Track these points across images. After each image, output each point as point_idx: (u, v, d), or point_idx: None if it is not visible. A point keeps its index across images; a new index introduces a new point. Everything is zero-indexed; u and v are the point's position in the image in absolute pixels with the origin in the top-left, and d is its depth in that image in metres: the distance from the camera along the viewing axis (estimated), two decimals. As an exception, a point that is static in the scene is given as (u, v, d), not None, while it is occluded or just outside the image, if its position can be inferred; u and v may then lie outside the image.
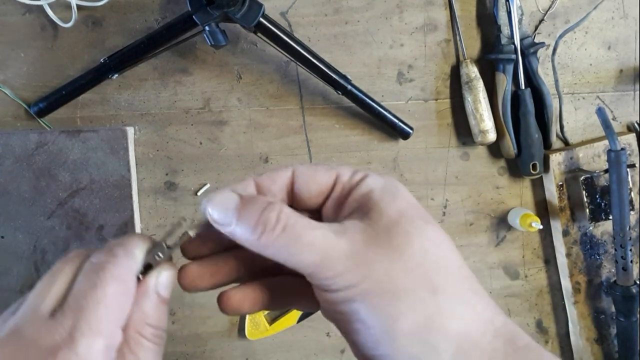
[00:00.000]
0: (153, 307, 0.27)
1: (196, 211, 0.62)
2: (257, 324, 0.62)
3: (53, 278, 0.25)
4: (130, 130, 0.59)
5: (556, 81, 0.64)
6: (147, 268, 0.27)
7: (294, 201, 0.29)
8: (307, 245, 0.24)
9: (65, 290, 0.25)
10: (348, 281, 0.24)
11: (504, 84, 0.61)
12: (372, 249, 0.24)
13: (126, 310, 0.25)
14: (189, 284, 0.28)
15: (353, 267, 0.24)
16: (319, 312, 0.28)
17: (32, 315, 0.24)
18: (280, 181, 0.28)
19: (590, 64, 0.65)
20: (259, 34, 0.55)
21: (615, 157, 0.59)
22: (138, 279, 0.26)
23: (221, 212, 0.26)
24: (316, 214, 0.29)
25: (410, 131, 0.62)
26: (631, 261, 0.60)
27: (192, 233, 0.28)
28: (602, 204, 0.63)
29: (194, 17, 0.51)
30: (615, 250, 0.61)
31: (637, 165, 0.64)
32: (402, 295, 0.24)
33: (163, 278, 0.27)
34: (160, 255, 0.27)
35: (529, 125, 0.61)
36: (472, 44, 0.63)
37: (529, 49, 0.60)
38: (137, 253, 0.27)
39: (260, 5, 0.52)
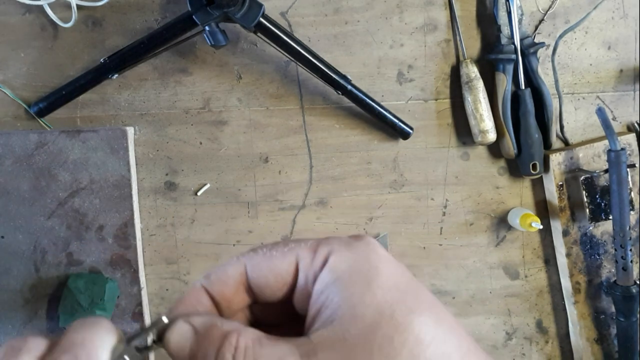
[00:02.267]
0: None
1: (194, 220, 0.62)
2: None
3: None
4: (130, 130, 0.59)
5: (556, 81, 0.63)
6: None
7: (256, 296, 0.24)
8: None
9: None
10: None
11: (504, 84, 0.61)
12: None
13: None
14: None
15: None
16: None
17: None
18: (232, 282, 0.24)
19: (590, 64, 0.65)
20: (259, 34, 0.55)
21: (615, 157, 0.59)
22: None
23: (178, 353, 0.22)
24: (286, 304, 0.25)
25: (410, 131, 0.62)
26: (631, 261, 0.60)
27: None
28: (602, 204, 0.62)
29: (194, 17, 0.51)
30: (615, 250, 0.61)
31: (637, 165, 0.64)
32: None
33: None
34: (126, 358, 0.23)
35: (529, 125, 0.61)
36: (472, 44, 0.63)
37: (529, 49, 0.60)
38: (103, 356, 0.22)
39: (260, 5, 0.52)
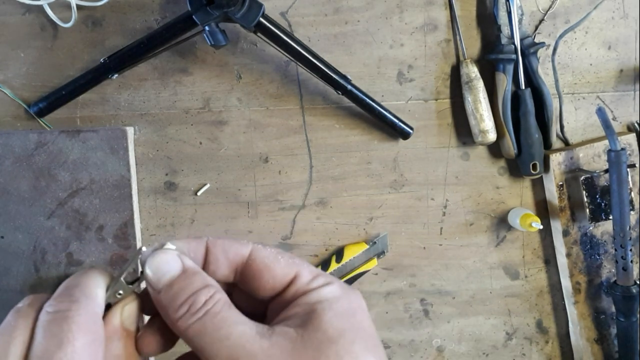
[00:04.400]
0: (124, 346, 0.24)
1: (194, 220, 0.62)
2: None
3: (7, 337, 0.21)
4: (130, 130, 0.59)
5: (556, 81, 0.63)
6: (108, 305, 0.24)
7: (240, 282, 0.26)
8: (221, 339, 0.22)
9: (24, 351, 0.21)
10: None
11: (504, 84, 0.61)
12: None
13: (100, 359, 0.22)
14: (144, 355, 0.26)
15: None
16: None
17: None
18: (232, 257, 0.25)
19: (591, 64, 0.65)
20: (259, 34, 0.55)
21: (615, 157, 0.59)
22: None
23: (156, 274, 0.24)
24: (261, 305, 0.26)
25: (410, 131, 0.62)
26: (631, 261, 0.60)
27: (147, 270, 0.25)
28: (602, 204, 0.62)
29: (194, 17, 0.51)
30: (616, 250, 0.61)
31: (637, 165, 0.64)
32: None
33: (128, 312, 0.24)
34: (121, 292, 0.24)
35: (529, 125, 0.61)
36: (472, 44, 0.63)
37: (529, 49, 0.60)
38: (99, 293, 0.23)
39: (260, 5, 0.52)
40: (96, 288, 0.23)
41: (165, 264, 0.24)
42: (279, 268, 0.25)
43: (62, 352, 0.20)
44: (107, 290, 0.24)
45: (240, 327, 0.22)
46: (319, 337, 0.22)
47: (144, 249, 0.25)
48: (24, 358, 0.21)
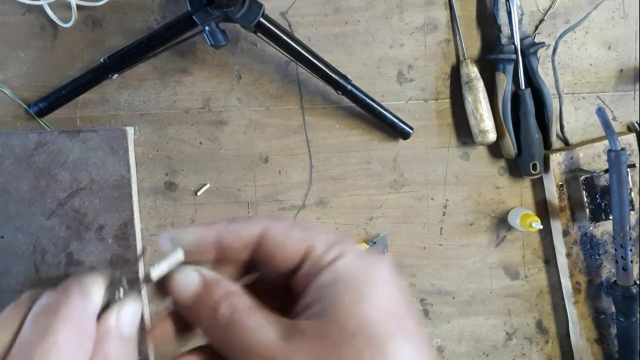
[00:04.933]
0: (117, 348, 0.23)
1: (194, 220, 0.62)
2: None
3: None
4: (130, 130, 0.59)
5: (556, 81, 0.63)
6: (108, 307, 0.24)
7: (256, 260, 0.26)
8: (245, 350, 0.22)
9: (10, 340, 0.21)
10: None
11: (504, 84, 0.61)
12: None
13: (85, 357, 0.22)
14: (156, 344, 0.26)
15: None
16: None
17: None
18: (246, 239, 0.25)
19: (591, 64, 0.65)
20: (259, 34, 0.55)
21: (615, 157, 0.59)
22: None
23: (179, 292, 0.24)
24: (284, 277, 0.26)
25: (410, 131, 0.62)
26: (631, 261, 0.60)
27: (153, 274, 0.24)
28: (602, 204, 0.62)
29: (194, 17, 0.51)
30: (616, 250, 0.61)
31: (637, 165, 0.64)
32: None
33: (125, 314, 0.24)
34: (122, 292, 0.24)
35: (529, 125, 0.61)
36: (472, 44, 0.63)
37: (529, 49, 0.60)
38: (95, 291, 0.23)
39: (260, 5, 0.52)
40: (93, 286, 0.23)
41: (186, 282, 0.24)
42: (290, 244, 0.24)
43: (44, 342, 0.21)
44: (107, 287, 0.24)
45: (264, 335, 0.22)
46: (339, 332, 0.21)
47: (148, 247, 0.24)
48: (7, 346, 0.21)
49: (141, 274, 0.24)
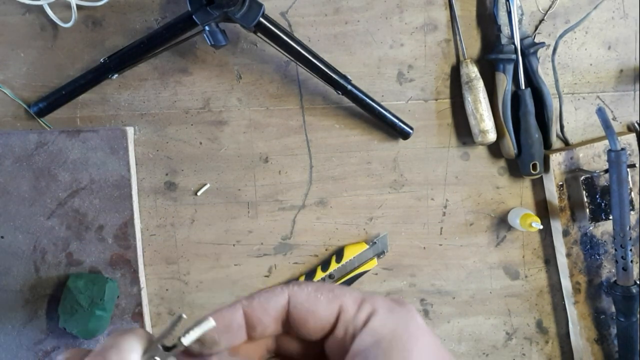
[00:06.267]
0: None
1: (194, 220, 0.62)
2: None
3: None
4: (130, 130, 0.59)
5: (556, 81, 0.63)
6: None
7: (289, 330, 0.25)
8: None
9: None
10: None
11: (504, 84, 0.61)
12: None
13: None
14: None
15: None
16: None
17: None
18: (274, 312, 0.24)
19: (591, 64, 0.65)
20: (259, 34, 0.55)
21: (615, 157, 0.59)
22: None
23: None
24: (316, 345, 0.26)
25: (410, 131, 0.62)
26: (631, 261, 0.60)
27: (185, 341, 0.24)
28: (602, 204, 0.62)
29: (194, 17, 0.51)
30: (616, 250, 0.61)
31: (637, 165, 0.64)
32: None
33: None
34: (157, 359, 0.23)
35: (529, 125, 0.61)
36: (472, 44, 0.63)
37: (529, 49, 0.60)
38: (133, 358, 0.23)
39: (260, 5, 0.52)
40: (131, 352, 0.23)
41: None
42: (321, 309, 0.24)
43: None
44: (144, 353, 0.23)
45: None
46: None
47: (184, 316, 0.24)
48: None
49: (177, 342, 0.24)
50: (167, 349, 0.24)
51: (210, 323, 0.24)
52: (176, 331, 0.24)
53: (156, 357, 0.23)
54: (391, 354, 0.22)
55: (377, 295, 0.25)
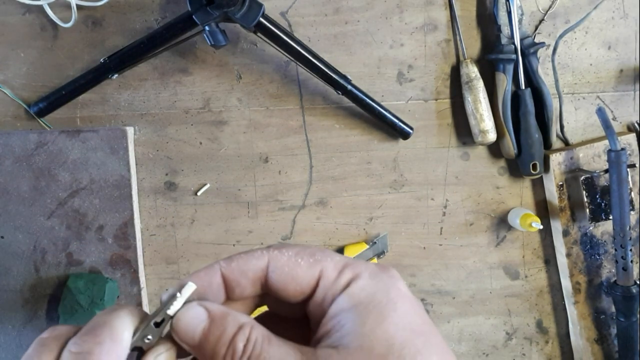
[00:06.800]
0: None
1: (194, 220, 0.62)
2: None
3: None
4: (130, 130, 0.59)
5: (556, 81, 0.63)
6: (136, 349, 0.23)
7: (269, 292, 0.25)
8: None
9: None
10: None
11: (504, 84, 0.61)
12: None
13: None
14: None
15: None
16: None
17: None
18: (252, 274, 0.24)
19: (591, 64, 0.65)
20: (259, 34, 0.55)
21: (615, 157, 0.59)
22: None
23: (187, 332, 0.23)
24: (297, 306, 0.25)
25: (410, 131, 0.62)
26: (631, 261, 0.60)
27: (170, 312, 0.24)
28: (602, 204, 0.62)
29: (194, 17, 0.51)
30: (616, 250, 0.61)
31: (637, 165, 0.64)
32: None
33: None
34: (150, 337, 0.23)
35: (529, 125, 0.61)
36: (472, 44, 0.63)
37: (529, 49, 0.60)
38: (125, 336, 0.22)
39: (260, 5, 0.52)
40: (123, 331, 0.22)
41: (192, 319, 0.23)
42: (301, 274, 0.24)
43: None
44: (135, 332, 0.23)
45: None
46: (364, 356, 0.21)
47: (169, 291, 0.24)
48: None
49: (165, 315, 0.24)
50: (157, 324, 0.23)
51: (191, 287, 0.24)
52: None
53: (148, 335, 0.23)
54: (367, 317, 0.21)
55: (362, 261, 0.24)
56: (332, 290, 0.23)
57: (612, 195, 0.60)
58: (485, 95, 0.61)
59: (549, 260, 0.67)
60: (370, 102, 0.59)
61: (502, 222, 0.66)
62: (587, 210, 0.62)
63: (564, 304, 0.67)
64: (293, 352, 0.22)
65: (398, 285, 0.23)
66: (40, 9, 0.57)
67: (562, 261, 0.65)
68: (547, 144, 0.63)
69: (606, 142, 0.63)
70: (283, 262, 0.24)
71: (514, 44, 0.60)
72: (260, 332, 0.22)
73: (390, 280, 0.23)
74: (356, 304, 0.22)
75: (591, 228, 0.64)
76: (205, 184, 0.62)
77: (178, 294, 0.24)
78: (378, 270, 0.24)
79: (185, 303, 0.24)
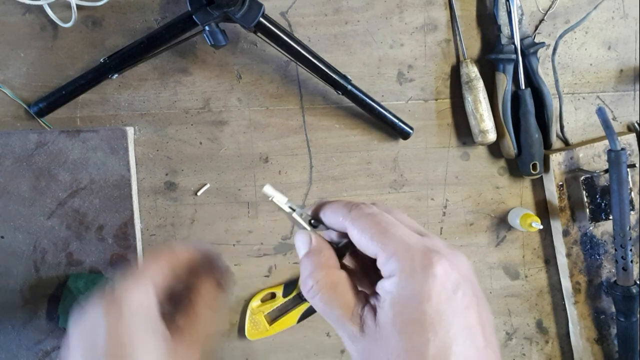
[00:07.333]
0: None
1: (194, 220, 0.62)
2: (256, 324, 0.62)
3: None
4: (130, 130, 0.59)
5: (556, 81, 0.63)
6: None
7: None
8: (327, 317, 0.28)
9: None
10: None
11: (504, 84, 0.61)
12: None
13: None
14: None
15: None
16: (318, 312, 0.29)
17: None
18: (339, 227, 0.31)
19: (591, 64, 0.65)
20: (259, 34, 0.55)
21: (615, 157, 0.59)
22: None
23: (297, 250, 0.31)
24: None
25: (410, 131, 0.62)
26: (631, 261, 0.60)
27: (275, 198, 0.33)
28: (602, 204, 0.62)
29: (194, 17, 0.51)
30: (616, 250, 0.61)
31: (637, 165, 0.64)
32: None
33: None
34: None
35: (529, 125, 0.61)
36: (472, 44, 0.63)
37: (529, 49, 0.60)
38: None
39: (260, 5, 0.52)
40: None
41: (299, 242, 0.31)
42: (364, 246, 0.28)
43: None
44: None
45: (338, 311, 0.27)
46: (384, 342, 0.26)
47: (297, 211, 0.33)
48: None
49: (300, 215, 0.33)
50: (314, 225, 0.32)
51: (305, 230, 0.32)
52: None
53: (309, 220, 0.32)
54: (389, 311, 0.26)
55: (412, 249, 0.26)
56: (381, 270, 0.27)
57: (612, 195, 0.60)
58: (485, 95, 0.61)
59: (549, 260, 0.67)
60: (370, 102, 0.59)
61: (502, 222, 0.66)
62: (587, 210, 0.62)
63: (564, 304, 0.67)
64: (350, 301, 0.28)
65: (432, 288, 0.25)
66: (40, 9, 0.57)
67: (562, 261, 0.65)
68: (547, 144, 0.63)
69: (606, 142, 0.63)
70: (354, 233, 0.29)
71: (514, 44, 0.60)
72: (329, 278, 0.28)
73: (425, 282, 0.25)
74: (382, 298, 0.26)
75: (591, 228, 0.64)
76: (205, 184, 0.62)
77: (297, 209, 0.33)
78: (417, 270, 0.26)
79: (310, 218, 0.33)
